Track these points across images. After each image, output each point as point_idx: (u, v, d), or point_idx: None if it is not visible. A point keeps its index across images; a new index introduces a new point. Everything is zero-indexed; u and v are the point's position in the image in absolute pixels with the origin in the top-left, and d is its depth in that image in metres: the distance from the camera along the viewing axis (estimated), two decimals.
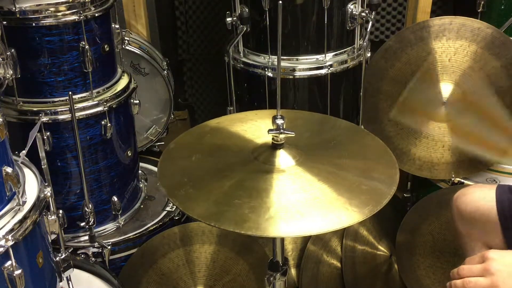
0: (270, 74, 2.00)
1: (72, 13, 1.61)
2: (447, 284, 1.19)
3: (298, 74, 1.99)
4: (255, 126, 1.40)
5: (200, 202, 1.17)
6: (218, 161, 1.31)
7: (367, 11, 1.97)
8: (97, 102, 1.72)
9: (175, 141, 1.40)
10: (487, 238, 1.38)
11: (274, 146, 1.27)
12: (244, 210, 1.12)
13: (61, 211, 1.37)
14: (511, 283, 1.07)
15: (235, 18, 2.00)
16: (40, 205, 1.21)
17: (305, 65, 1.99)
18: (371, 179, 1.22)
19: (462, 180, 1.97)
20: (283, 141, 1.27)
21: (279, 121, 1.25)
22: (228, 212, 1.13)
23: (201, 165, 1.30)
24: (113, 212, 1.87)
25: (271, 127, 1.26)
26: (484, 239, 1.39)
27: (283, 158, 1.25)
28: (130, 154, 1.89)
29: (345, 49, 2.04)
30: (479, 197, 1.41)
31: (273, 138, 1.27)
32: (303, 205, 1.13)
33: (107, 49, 1.74)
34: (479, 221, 1.39)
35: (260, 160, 1.26)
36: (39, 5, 1.58)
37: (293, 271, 2.08)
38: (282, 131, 1.25)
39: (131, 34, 2.21)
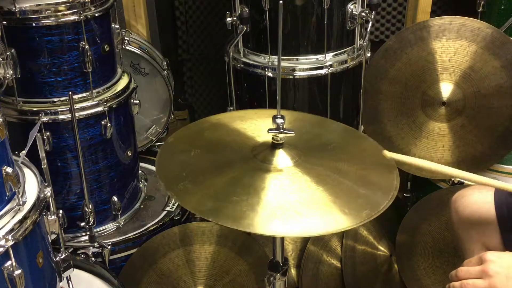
0: (270, 74, 2.00)
1: (72, 13, 1.61)
2: (446, 286, 1.19)
3: (298, 74, 1.99)
4: (255, 125, 1.40)
5: (198, 197, 1.17)
6: (217, 157, 1.31)
7: (367, 11, 1.97)
8: (97, 102, 1.72)
9: (173, 136, 1.40)
10: (486, 240, 1.38)
11: (274, 146, 1.27)
12: (242, 207, 1.12)
13: (61, 211, 1.37)
14: (509, 284, 1.07)
15: (235, 18, 2.00)
16: (40, 205, 1.21)
17: (305, 65, 1.99)
18: (369, 183, 1.22)
19: (462, 180, 1.97)
20: (282, 141, 1.27)
21: (279, 121, 1.25)
22: (225, 208, 1.13)
23: (200, 161, 1.30)
24: (113, 212, 1.87)
25: (271, 127, 1.26)
26: (483, 241, 1.39)
27: (282, 158, 1.25)
28: (130, 154, 1.89)
29: (345, 49, 2.04)
30: (478, 199, 1.41)
31: (273, 138, 1.27)
32: (300, 205, 1.13)
33: (107, 49, 1.74)
34: (478, 223, 1.39)
35: (259, 158, 1.26)
36: (39, 5, 1.58)
37: (293, 271, 2.08)
38: (282, 130, 1.25)
39: (131, 34, 2.21)
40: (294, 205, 1.13)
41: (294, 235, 1.09)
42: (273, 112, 1.28)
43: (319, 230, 1.11)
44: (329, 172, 1.24)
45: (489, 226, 1.37)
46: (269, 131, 1.26)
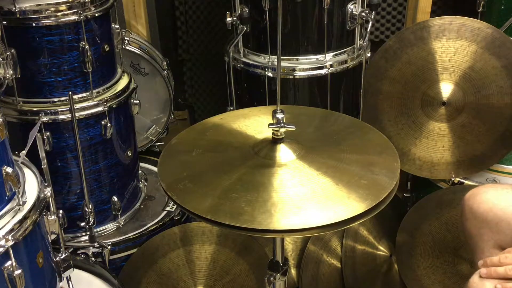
0: (270, 74, 2.00)
1: (72, 13, 1.61)
2: (478, 273, 1.19)
3: (298, 74, 1.99)
4: (258, 122, 1.40)
5: (198, 196, 1.17)
6: (218, 156, 1.31)
7: (367, 11, 1.97)
8: (97, 102, 1.72)
9: (177, 137, 1.39)
10: (498, 238, 1.37)
11: (275, 141, 1.27)
12: (241, 204, 1.12)
13: (61, 211, 1.37)
14: None
15: (235, 18, 2.00)
16: (40, 205, 1.21)
17: (305, 65, 1.99)
18: (372, 173, 1.22)
19: (462, 180, 1.97)
20: (283, 136, 1.27)
21: (279, 115, 1.25)
22: (224, 205, 1.13)
23: (201, 160, 1.30)
24: (113, 212, 1.87)
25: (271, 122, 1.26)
26: (495, 239, 1.38)
27: (284, 153, 1.25)
28: (130, 154, 1.89)
29: (345, 49, 2.04)
30: (492, 197, 1.40)
31: (273, 133, 1.27)
32: (307, 199, 1.13)
33: (107, 49, 1.74)
34: (492, 221, 1.38)
35: (260, 155, 1.26)
36: (39, 5, 1.58)
37: (293, 271, 2.08)
38: (282, 125, 1.25)
39: (131, 34, 2.21)
40: (302, 198, 1.13)
41: (299, 228, 1.07)
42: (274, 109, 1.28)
43: (322, 221, 1.08)
44: (333, 163, 1.24)
45: (503, 224, 1.36)
46: (270, 126, 1.26)
